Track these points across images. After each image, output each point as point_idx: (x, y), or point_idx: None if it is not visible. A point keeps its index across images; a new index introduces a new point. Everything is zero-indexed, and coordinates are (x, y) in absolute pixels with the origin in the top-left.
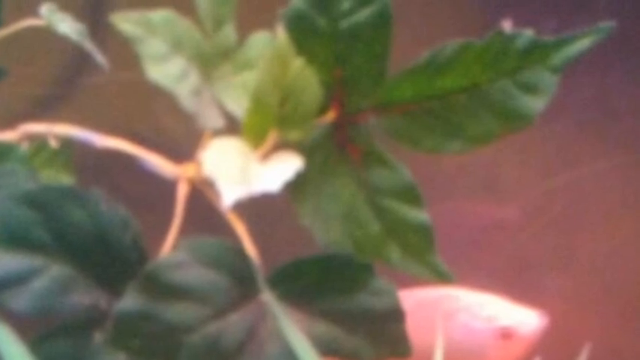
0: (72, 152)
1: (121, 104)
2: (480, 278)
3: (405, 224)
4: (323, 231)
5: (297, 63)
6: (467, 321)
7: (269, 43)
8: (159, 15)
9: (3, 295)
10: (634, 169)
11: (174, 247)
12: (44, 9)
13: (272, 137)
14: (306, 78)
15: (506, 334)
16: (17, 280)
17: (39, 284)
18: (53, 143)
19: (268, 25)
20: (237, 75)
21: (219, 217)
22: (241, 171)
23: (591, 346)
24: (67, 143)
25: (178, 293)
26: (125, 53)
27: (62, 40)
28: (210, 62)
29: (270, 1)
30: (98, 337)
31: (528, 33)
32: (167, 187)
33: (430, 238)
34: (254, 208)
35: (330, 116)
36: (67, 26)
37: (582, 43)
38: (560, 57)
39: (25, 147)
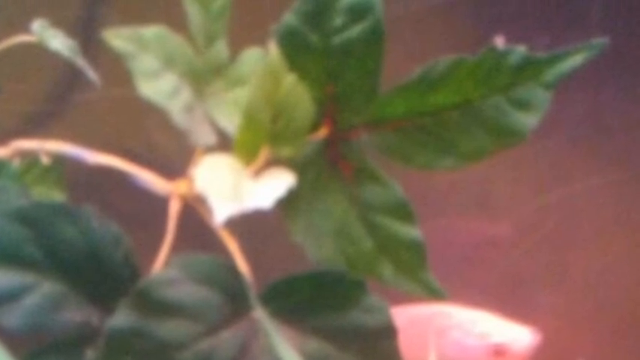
0: (63, 169)
1: (112, 121)
2: (472, 295)
3: (397, 241)
4: (315, 248)
5: (290, 79)
6: (459, 338)
7: (261, 59)
8: (151, 31)
9: None
10: (627, 185)
11: (167, 263)
12: (36, 25)
13: (264, 154)
14: (298, 94)
15: (499, 351)
16: (9, 296)
17: (30, 301)
18: (45, 160)
19: (260, 41)
20: (230, 91)
21: (212, 234)
22: (233, 188)
23: None
24: (59, 160)
25: (170, 310)
26: (117, 70)
27: (54, 57)
28: (202, 78)
29: (262, 18)
30: (90, 354)
31: (521, 49)
32: (159, 203)
33: (422, 255)
34: (246, 224)
35: (322, 133)
36: (59, 42)
37: (575, 60)
38: (553, 73)
39: (16, 164)
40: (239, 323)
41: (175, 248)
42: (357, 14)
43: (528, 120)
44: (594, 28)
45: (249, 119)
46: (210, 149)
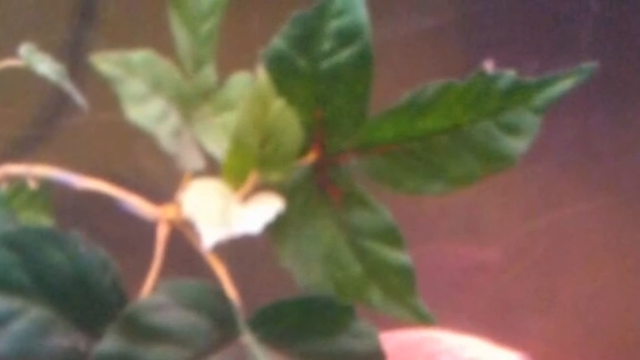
0: (51, 193)
1: (100, 145)
2: (461, 320)
3: (386, 266)
4: (304, 273)
5: (278, 104)
6: None
7: (249, 83)
8: (138, 55)
9: None
10: (616, 210)
11: (154, 289)
12: (23, 49)
13: (252, 178)
14: (286, 119)
15: None
16: None
17: (18, 326)
18: (32, 185)
19: (249, 65)
20: (218, 116)
21: (200, 259)
22: (221, 212)
23: None
24: (46, 184)
25: (158, 335)
26: (104, 94)
27: (41, 81)
28: (190, 103)
29: (250, 42)
30: None
31: (510, 74)
32: (147, 228)
33: (411, 280)
34: (234, 249)
35: (311, 157)
36: (46, 67)
37: (564, 84)
38: (542, 98)
39: (3, 188)
40: (227, 348)
41: (163, 273)
42: (345, 39)
43: (518, 145)
44: (583, 52)
45: (238, 144)
46: (198, 174)
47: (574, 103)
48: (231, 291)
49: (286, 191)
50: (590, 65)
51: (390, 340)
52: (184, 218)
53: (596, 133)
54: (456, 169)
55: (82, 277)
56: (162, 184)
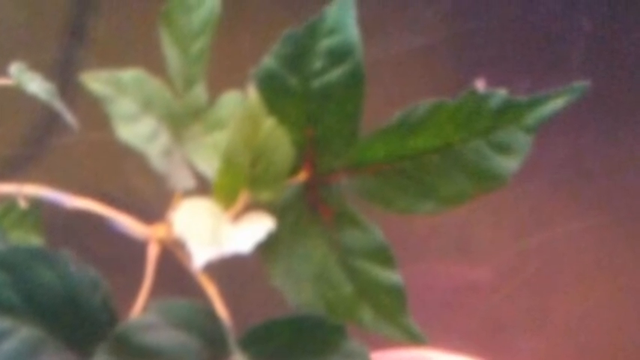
0: (41, 213)
1: (90, 164)
2: (453, 340)
3: (377, 285)
4: (295, 292)
5: (269, 123)
6: None
7: (240, 103)
8: (129, 74)
9: None
10: (608, 230)
11: (145, 308)
12: (13, 68)
13: (243, 198)
14: (277, 138)
15: None
16: None
17: (8, 346)
18: (22, 204)
19: (239, 84)
20: (208, 135)
21: (190, 279)
22: (212, 232)
23: None
24: (37, 204)
25: (149, 355)
26: (95, 113)
27: (31, 100)
28: (180, 122)
29: (241, 61)
30: None
31: (502, 92)
32: (137, 248)
33: (402, 300)
34: (225, 269)
35: (302, 176)
36: (37, 86)
37: (556, 103)
38: (534, 117)
39: None
40: None
41: (154, 293)
42: (336, 57)
43: (509, 164)
44: (575, 71)
45: (228, 163)
46: (188, 193)
47: (566, 122)
48: (221, 310)
49: (277, 210)
50: (581, 84)
51: (381, 359)
52: (175, 238)
53: (588, 152)
54: (447, 188)
55: (72, 297)
56: (153, 204)
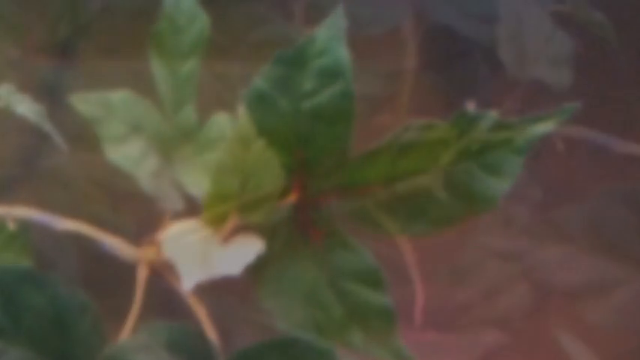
0: (30, 235)
1: (80, 186)
2: None
3: (367, 308)
4: (284, 314)
5: (259, 145)
6: None
7: (230, 124)
8: (118, 96)
9: None
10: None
11: (134, 330)
12: (2, 90)
13: (233, 220)
14: (267, 160)
15: None
16: None
17: None
18: (11, 226)
19: (229, 106)
20: (198, 156)
21: (180, 301)
22: (202, 254)
23: None
24: (26, 225)
25: None
26: (84, 135)
27: (21, 121)
28: (170, 143)
29: (231, 82)
30: None
31: (492, 114)
32: (127, 269)
33: (393, 322)
34: (215, 291)
35: (292, 198)
36: (26, 107)
37: (547, 125)
38: (524, 138)
39: None
40: None
41: (143, 315)
42: (327, 78)
43: (500, 185)
44: (566, 93)
45: (218, 185)
46: (178, 215)
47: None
48: (211, 333)
49: (267, 232)
50: (572, 105)
51: None
52: (164, 259)
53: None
54: (437, 210)
55: (61, 319)
56: (142, 226)
